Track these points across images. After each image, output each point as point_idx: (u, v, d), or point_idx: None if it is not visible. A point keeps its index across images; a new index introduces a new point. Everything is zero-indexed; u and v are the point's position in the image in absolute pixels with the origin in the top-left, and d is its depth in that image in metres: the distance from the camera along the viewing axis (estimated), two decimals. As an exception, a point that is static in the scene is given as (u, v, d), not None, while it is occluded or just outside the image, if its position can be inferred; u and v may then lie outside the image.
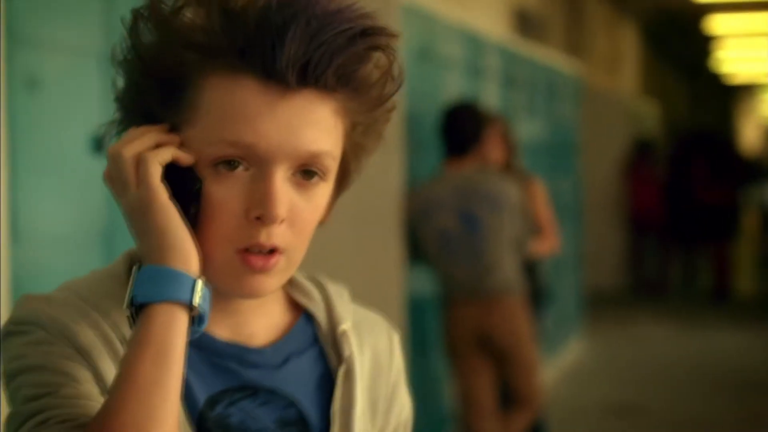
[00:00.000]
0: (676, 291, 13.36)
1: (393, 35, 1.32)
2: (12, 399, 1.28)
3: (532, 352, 5.18)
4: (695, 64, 21.37)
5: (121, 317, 1.31)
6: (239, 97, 1.27)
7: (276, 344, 1.43)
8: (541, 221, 5.62)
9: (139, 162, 1.27)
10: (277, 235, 1.29)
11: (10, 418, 1.25)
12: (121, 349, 1.29)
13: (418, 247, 5.10)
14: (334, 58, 1.27)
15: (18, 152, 3.02)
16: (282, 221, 1.29)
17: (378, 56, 1.32)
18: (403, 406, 1.54)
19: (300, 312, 1.48)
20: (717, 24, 15.44)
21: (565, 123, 9.24)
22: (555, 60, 8.99)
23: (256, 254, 1.30)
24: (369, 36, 1.29)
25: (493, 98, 6.84)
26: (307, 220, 1.33)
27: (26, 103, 3.07)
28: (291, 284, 1.49)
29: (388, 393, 1.52)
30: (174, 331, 1.22)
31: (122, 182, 1.28)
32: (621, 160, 13.09)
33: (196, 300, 1.24)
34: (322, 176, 1.32)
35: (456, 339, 5.11)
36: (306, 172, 1.31)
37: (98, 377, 1.27)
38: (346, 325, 1.48)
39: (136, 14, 1.31)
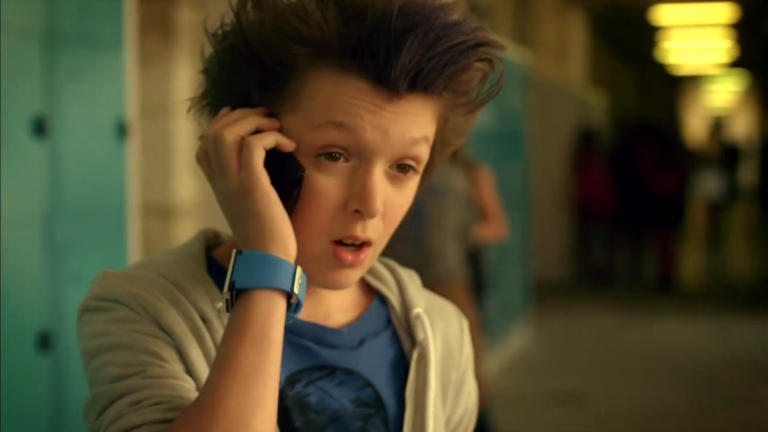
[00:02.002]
0: (622, 280, 13.44)
1: (501, 47, 1.34)
2: (94, 377, 1.27)
3: (475, 341, 5.18)
4: (642, 55, 21.50)
5: (200, 296, 1.33)
6: (346, 92, 1.27)
7: (352, 325, 1.45)
8: (488, 209, 5.63)
9: (242, 146, 1.27)
10: (372, 228, 1.31)
11: (96, 397, 1.25)
12: (202, 327, 1.31)
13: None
14: (446, 69, 1.28)
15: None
16: (379, 215, 1.30)
17: (483, 65, 1.34)
18: (471, 392, 1.57)
19: (373, 295, 1.51)
20: (663, 14, 15.53)
21: (512, 112, 9.25)
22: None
23: (348, 248, 1.31)
24: (480, 49, 1.31)
25: (440, 86, 6.81)
26: (398, 213, 1.35)
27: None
28: None
29: (458, 379, 1.54)
30: (274, 318, 1.22)
31: (221, 165, 1.27)
32: (568, 149, 13.13)
33: (296, 288, 1.25)
34: (416, 169, 1.34)
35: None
36: (401, 166, 1.32)
37: (182, 354, 1.28)
38: (419, 309, 1.50)
39: None
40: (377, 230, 1.32)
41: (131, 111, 3.85)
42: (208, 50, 1.35)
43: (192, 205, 4.84)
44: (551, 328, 10.31)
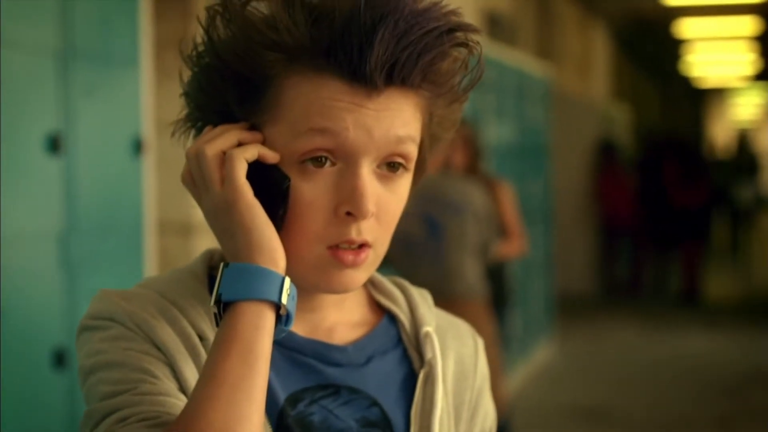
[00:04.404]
0: (647, 294, 13.37)
1: (476, 30, 1.32)
2: (89, 395, 1.27)
3: (494, 357, 5.16)
4: (666, 68, 21.44)
5: (199, 315, 1.31)
6: (325, 94, 1.25)
7: (358, 342, 1.42)
8: (508, 224, 5.61)
9: (224, 160, 1.26)
10: (367, 230, 1.29)
11: (88, 415, 1.24)
12: (198, 345, 1.29)
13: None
14: (421, 58, 1.26)
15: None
16: (371, 215, 1.28)
17: (459, 51, 1.32)
18: (488, 412, 1.52)
19: (382, 313, 1.48)
20: (687, 28, 15.49)
21: (534, 126, 9.23)
22: (524, 62, 8.98)
23: (346, 249, 1.29)
24: (454, 33, 1.29)
25: (461, 100, 6.81)
26: (393, 213, 1.33)
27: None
28: (373, 285, 1.49)
29: (472, 399, 1.50)
30: (261, 330, 1.20)
31: (204, 181, 1.27)
32: (590, 163, 13.08)
33: (284, 299, 1.22)
34: (406, 166, 1.32)
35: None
36: (390, 164, 1.30)
37: (176, 373, 1.27)
38: (429, 328, 1.46)
39: (214, 12, 1.30)
40: (373, 232, 1.30)
41: (147, 128, 3.85)
42: (186, 73, 1.34)
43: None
44: (575, 343, 10.27)
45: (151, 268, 3.91)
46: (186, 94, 1.35)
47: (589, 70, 14.25)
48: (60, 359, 3.34)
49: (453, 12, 1.29)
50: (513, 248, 5.68)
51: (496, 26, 9.19)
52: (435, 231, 4.99)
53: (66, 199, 3.39)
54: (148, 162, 3.88)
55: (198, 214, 4.64)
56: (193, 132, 1.36)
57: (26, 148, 3.24)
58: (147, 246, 3.88)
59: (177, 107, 1.37)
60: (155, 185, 4.05)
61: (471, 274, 5.05)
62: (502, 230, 5.48)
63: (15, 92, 3.19)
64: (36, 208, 3.30)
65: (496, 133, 7.72)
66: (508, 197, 5.75)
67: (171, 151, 4.48)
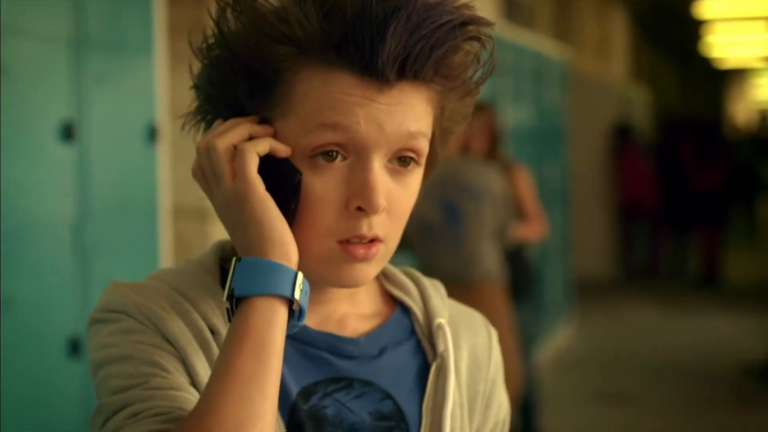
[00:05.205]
0: (666, 277, 13.34)
1: (489, 24, 1.31)
2: (100, 388, 1.27)
3: (509, 342, 5.14)
4: (685, 49, 21.34)
5: (211, 308, 1.31)
6: (336, 88, 1.25)
7: (371, 334, 1.41)
8: (526, 208, 5.60)
9: (236, 153, 1.26)
10: (378, 224, 1.28)
11: (99, 409, 1.24)
12: (210, 339, 1.29)
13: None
14: (434, 52, 1.26)
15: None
16: (382, 210, 1.27)
17: (472, 44, 1.31)
18: (501, 404, 1.52)
19: (395, 305, 1.48)
20: (707, 8, 15.41)
21: (552, 108, 9.20)
22: (542, 45, 8.94)
23: (357, 244, 1.28)
24: (467, 27, 1.28)
25: (479, 84, 6.78)
26: (404, 208, 1.32)
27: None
28: (386, 277, 1.49)
29: (486, 390, 1.50)
30: (273, 325, 1.20)
31: (215, 175, 1.26)
32: (607, 145, 13.04)
33: (297, 294, 1.22)
34: (417, 161, 1.31)
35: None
36: (402, 158, 1.30)
37: (187, 367, 1.27)
38: (442, 319, 1.46)
39: (224, 4, 1.29)
40: (384, 227, 1.29)
41: (161, 114, 3.84)
42: (196, 66, 1.34)
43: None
44: (593, 326, 10.25)
45: (166, 254, 3.90)
46: (196, 87, 1.35)
47: (608, 52, 14.19)
48: (75, 347, 3.34)
49: (465, 5, 1.29)
50: (533, 231, 5.67)
51: (514, 9, 9.15)
52: (453, 216, 4.98)
53: (80, 187, 3.39)
54: (163, 148, 3.87)
55: (213, 200, 4.63)
56: (203, 125, 1.36)
57: (39, 136, 3.23)
58: (162, 232, 3.87)
59: (191, 94, 1.36)
60: (170, 171, 4.04)
61: (489, 259, 5.04)
62: (519, 214, 5.47)
63: (28, 81, 3.19)
64: (50, 196, 3.29)
65: (513, 116, 7.69)
66: (525, 180, 5.73)
67: (185, 136, 4.48)
